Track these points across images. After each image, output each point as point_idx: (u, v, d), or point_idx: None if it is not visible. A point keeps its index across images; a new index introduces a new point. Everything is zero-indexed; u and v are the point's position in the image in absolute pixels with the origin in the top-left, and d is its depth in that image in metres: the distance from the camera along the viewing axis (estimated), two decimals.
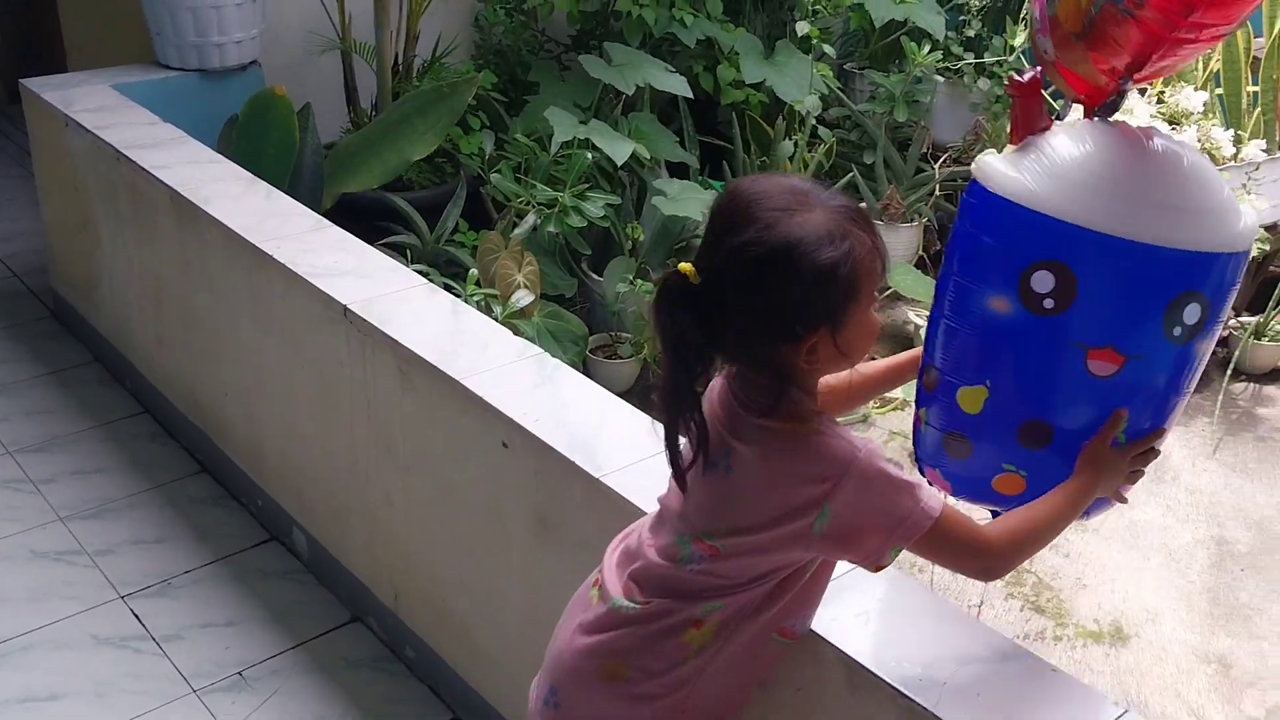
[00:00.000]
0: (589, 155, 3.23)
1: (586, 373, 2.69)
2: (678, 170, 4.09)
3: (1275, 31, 4.01)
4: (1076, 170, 1.37)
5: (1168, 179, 1.36)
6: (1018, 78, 1.44)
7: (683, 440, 1.35)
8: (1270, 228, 3.88)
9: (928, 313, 1.67)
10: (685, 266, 1.27)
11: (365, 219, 3.48)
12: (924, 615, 1.54)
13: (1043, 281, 1.35)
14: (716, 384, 1.39)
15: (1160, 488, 3.30)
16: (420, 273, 2.98)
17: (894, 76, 4.42)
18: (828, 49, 4.27)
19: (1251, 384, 3.84)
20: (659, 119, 4.03)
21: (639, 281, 3.35)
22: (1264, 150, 3.70)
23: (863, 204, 1.38)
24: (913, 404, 1.58)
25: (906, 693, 1.39)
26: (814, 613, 1.46)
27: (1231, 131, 3.65)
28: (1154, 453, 1.47)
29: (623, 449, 1.85)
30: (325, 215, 2.93)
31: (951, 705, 1.37)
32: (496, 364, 2.09)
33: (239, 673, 2.41)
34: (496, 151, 3.59)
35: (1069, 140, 1.41)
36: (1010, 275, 1.38)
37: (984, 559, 1.35)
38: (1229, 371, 3.67)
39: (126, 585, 2.62)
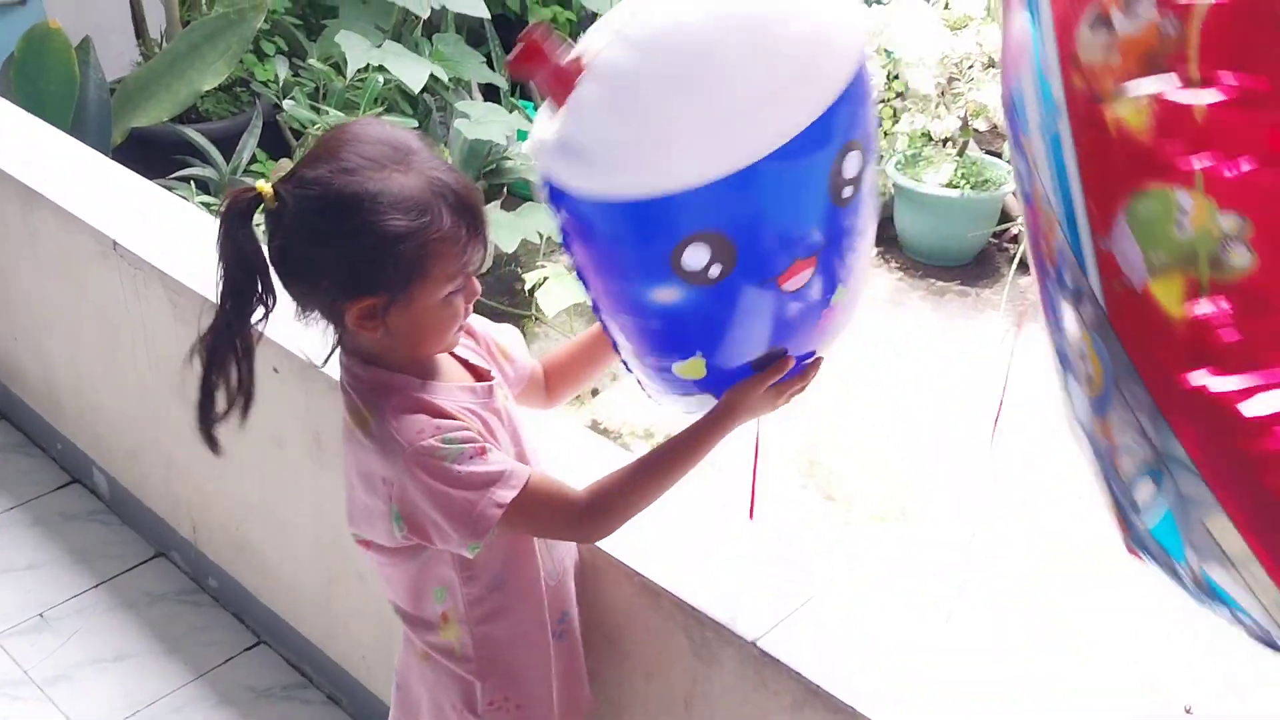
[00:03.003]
0: (380, 79, 3.21)
1: None
2: (491, 93, 4.08)
3: None
4: (660, 123, 1.10)
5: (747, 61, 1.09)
6: (510, 58, 1.14)
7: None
8: None
9: None
10: (263, 186, 1.17)
11: (160, 154, 3.42)
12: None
13: (697, 256, 1.16)
14: None
15: (948, 380, 3.49)
16: (212, 206, 2.96)
17: None
18: None
19: None
20: (467, 40, 4.01)
21: None
22: None
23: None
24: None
25: (640, 571, 1.49)
26: (538, 562, 1.40)
27: None
28: (808, 376, 1.35)
29: None
30: (116, 152, 2.87)
31: (676, 576, 1.47)
32: None
33: (40, 614, 2.41)
34: (293, 78, 3.54)
35: (618, 89, 1.10)
36: (654, 269, 1.18)
37: (575, 528, 1.32)
38: (1014, 266, 3.87)
39: None
